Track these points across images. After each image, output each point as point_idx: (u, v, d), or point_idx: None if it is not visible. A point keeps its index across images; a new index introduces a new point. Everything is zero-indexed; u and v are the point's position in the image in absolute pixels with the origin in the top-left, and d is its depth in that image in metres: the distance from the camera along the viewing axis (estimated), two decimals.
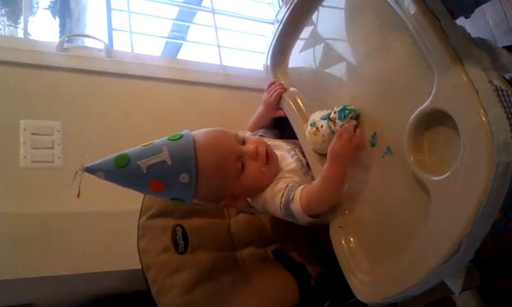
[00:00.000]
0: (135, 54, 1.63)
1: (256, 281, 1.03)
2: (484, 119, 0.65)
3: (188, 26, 2.16)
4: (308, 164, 1.05)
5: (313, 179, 1.02)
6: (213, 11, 1.91)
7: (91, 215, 1.21)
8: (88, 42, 1.67)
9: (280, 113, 1.20)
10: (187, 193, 0.91)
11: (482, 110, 0.65)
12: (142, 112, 1.51)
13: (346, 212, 0.94)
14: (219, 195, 0.98)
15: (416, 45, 0.77)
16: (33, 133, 1.30)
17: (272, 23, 1.24)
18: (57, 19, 2.76)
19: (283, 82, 1.20)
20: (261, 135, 1.18)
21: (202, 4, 2.14)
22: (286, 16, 1.15)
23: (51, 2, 2.78)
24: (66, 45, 1.49)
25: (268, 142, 1.05)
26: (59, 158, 1.31)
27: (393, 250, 0.81)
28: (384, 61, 0.88)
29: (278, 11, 1.21)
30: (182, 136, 0.92)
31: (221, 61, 1.80)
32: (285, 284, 1.04)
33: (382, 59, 0.89)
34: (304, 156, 1.07)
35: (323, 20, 1.08)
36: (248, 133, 1.21)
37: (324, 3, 1.07)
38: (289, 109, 1.14)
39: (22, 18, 1.62)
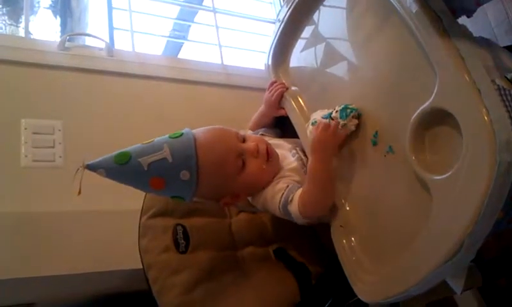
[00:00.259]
0: (136, 53, 1.63)
1: (257, 280, 1.03)
2: (486, 118, 0.65)
3: (189, 25, 2.16)
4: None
5: None
6: (214, 11, 1.91)
7: (92, 215, 1.21)
8: (89, 41, 1.67)
9: (281, 112, 1.20)
10: (187, 191, 0.91)
11: (484, 110, 0.65)
12: (143, 111, 1.51)
13: (347, 211, 0.94)
14: (220, 193, 0.97)
15: (418, 43, 0.77)
16: (34, 133, 1.30)
17: (274, 23, 1.24)
18: (59, 18, 2.76)
19: (284, 81, 1.20)
20: (262, 134, 1.18)
21: (203, 4, 2.14)
22: (287, 16, 1.15)
23: (52, 1, 2.78)
24: (67, 44, 1.49)
25: (269, 141, 1.05)
26: (60, 157, 1.31)
27: (395, 249, 0.81)
28: (386, 59, 0.88)
29: (279, 11, 1.21)
30: (182, 134, 0.92)
31: (222, 61, 1.80)
32: (286, 283, 1.04)
33: (383, 58, 0.88)
34: (305, 155, 1.07)
35: (324, 20, 1.08)
36: (249, 132, 1.20)
37: (325, 2, 1.07)
38: (291, 108, 1.14)
39: (23, 17, 1.62)
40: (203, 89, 1.66)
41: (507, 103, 0.66)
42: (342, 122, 0.91)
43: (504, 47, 0.99)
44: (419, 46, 0.77)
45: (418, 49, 0.77)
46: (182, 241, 1.03)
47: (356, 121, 0.92)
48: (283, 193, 0.96)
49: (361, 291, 0.87)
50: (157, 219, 1.06)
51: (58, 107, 1.38)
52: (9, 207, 1.17)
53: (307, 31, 1.13)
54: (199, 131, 0.95)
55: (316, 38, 1.09)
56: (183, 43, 2.23)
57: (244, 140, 0.99)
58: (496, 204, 0.65)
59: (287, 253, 1.08)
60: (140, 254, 1.04)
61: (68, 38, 1.50)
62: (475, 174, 0.66)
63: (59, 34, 2.68)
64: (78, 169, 0.82)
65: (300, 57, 1.16)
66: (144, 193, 1.06)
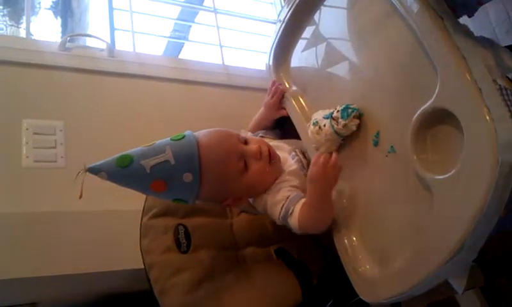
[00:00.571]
0: (137, 54, 1.63)
1: (258, 280, 1.03)
2: (487, 118, 0.65)
3: (190, 26, 2.16)
4: (308, 165, 1.05)
5: None
6: (215, 11, 1.91)
7: (94, 215, 1.21)
8: (90, 42, 1.67)
9: (281, 113, 1.19)
10: (190, 193, 0.91)
11: (485, 109, 0.65)
12: (144, 112, 1.51)
13: (349, 211, 0.93)
14: (222, 195, 0.97)
15: (419, 43, 0.77)
16: (35, 133, 1.30)
17: (275, 23, 1.24)
18: (59, 19, 2.76)
19: (285, 81, 1.20)
20: (262, 136, 1.18)
21: (204, 4, 2.14)
22: (288, 16, 1.15)
23: (53, 2, 2.78)
24: (68, 44, 1.49)
25: (269, 143, 1.05)
26: (62, 157, 1.31)
27: (396, 249, 0.81)
28: (387, 59, 0.88)
29: (280, 11, 1.21)
30: (184, 136, 0.92)
31: (223, 61, 1.80)
32: (288, 283, 1.04)
33: (384, 57, 0.88)
34: (304, 156, 1.07)
35: (325, 20, 1.08)
36: (248, 134, 1.20)
37: (326, 3, 1.07)
38: (292, 109, 1.14)
39: (24, 18, 1.62)
40: (204, 90, 1.67)
41: (508, 103, 0.66)
42: (343, 122, 0.91)
43: (505, 47, 0.99)
44: (420, 46, 0.77)
45: (419, 49, 0.77)
46: (184, 241, 1.03)
47: (357, 121, 0.92)
48: (283, 204, 0.95)
49: (363, 291, 0.87)
50: (158, 219, 1.06)
51: (59, 108, 1.38)
52: (11, 208, 1.17)
53: (308, 31, 1.13)
54: (200, 133, 0.95)
55: (317, 38, 1.09)
56: (184, 43, 2.23)
57: (245, 142, 0.99)
58: (498, 203, 0.65)
59: (288, 253, 1.08)
60: (141, 254, 1.04)
61: (69, 38, 1.51)
62: (476, 173, 0.66)
63: (60, 34, 2.68)
64: (79, 172, 0.82)
65: (301, 57, 1.16)
66: None
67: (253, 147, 0.97)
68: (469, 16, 0.94)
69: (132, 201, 1.06)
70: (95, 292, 1.33)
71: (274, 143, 1.11)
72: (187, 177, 0.88)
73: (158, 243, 1.03)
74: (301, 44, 1.16)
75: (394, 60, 0.86)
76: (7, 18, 2.51)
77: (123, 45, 1.69)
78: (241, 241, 1.10)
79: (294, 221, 0.93)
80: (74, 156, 1.32)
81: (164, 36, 2.06)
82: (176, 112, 1.57)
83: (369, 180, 0.91)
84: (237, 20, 2.02)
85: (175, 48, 2.23)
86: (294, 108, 1.14)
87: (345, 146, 0.97)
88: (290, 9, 1.14)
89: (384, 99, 0.88)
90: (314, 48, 1.10)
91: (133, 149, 0.88)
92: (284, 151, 1.08)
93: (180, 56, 2.14)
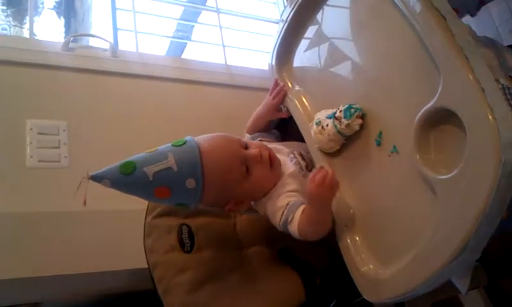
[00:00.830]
0: (140, 54, 1.63)
1: (262, 280, 1.03)
2: (490, 117, 0.64)
3: (193, 26, 2.16)
4: (306, 167, 1.05)
5: None
6: (218, 11, 1.92)
7: (98, 215, 1.21)
8: (93, 42, 1.68)
9: (281, 115, 1.19)
10: (193, 198, 0.91)
11: (488, 109, 0.65)
12: (147, 112, 1.52)
13: (352, 211, 0.94)
14: (224, 199, 0.97)
15: (422, 43, 0.76)
16: (39, 133, 1.31)
17: (277, 23, 1.24)
18: (63, 19, 2.77)
19: (288, 81, 1.20)
20: (260, 140, 1.17)
21: (207, 4, 2.14)
22: (291, 16, 1.15)
23: (56, 2, 2.79)
24: (71, 44, 1.50)
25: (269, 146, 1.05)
26: (66, 157, 1.31)
27: (400, 249, 0.81)
28: (390, 59, 0.88)
29: (283, 11, 1.20)
30: (185, 142, 0.92)
31: (225, 61, 1.80)
32: (291, 283, 1.04)
33: (387, 57, 0.88)
34: (303, 158, 1.06)
35: (328, 19, 1.08)
36: (247, 136, 1.20)
37: (328, 2, 1.07)
38: (294, 108, 1.14)
39: (27, 18, 1.63)
40: (207, 90, 1.67)
41: (511, 102, 0.66)
42: (346, 122, 0.91)
43: (508, 46, 0.99)
44: (423, 45, 0.76)
45: (422, 49, 0.77)
46: (187, 241, 1.04)
47: (360, 121, 0.92)
48: (283, 211, 0.95)
49: (366, 291, 0.87)
50: (162, 219, 1.07)
51: (63, 108, 1.39)
52: (15, 207, 1.18)
53: (311, 31, 1.13)
54: (201, 138, 0.95)
55: (320, 37, 1.09)
56: (186, 43, 2.23)
57: (246, 147, 0.99)
58: (501, 203, 0.65)
59: (292, 253, 1.08)
60: (145, 254, 1.05)
61: (72, 38, 1.51)
62: (479, 173, 0.66)
63: (63, 35, 2.70)
64: (82, 180, 0.82)
65: (304, 57, 1.16)
66: None
67: (254, 151, 0.97)
68: (472, 16, 0.95)
69: (136, 200, 1.05)
70: (98, 292, 1.33)
71: (273, 146, 1.10)
72: (190, 183, 0.88)
73: (162, 242, 1.04)
74: (303, 44, 1.16)
75: (397, 60, 0.86)
76: (10, 18, 2.52)
77: (126, 45, 1.70)
78: (245, 241, 1.10)
79: (293, 229, 0.93)
80: (78, 156, 1.32)
81: (167, 36, 2.06)
82: (179, 112, 1.57)
83: (372, 180, 0.91)
84: (240, 20, 2.02)
85: (177, 48, 2.24)
86: (297, 108, 1.13)
87: (347, 146, 0.97)
88: (292, 8, 1.14)
89: (387, 99, 0.88)
90: (317, 48, 1.10)
91: (135, 156, 0.88)
92: (283, 153, 1.08)
93: (183, 56, 2.15)
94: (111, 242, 1.22)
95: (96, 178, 0.84)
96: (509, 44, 1.06)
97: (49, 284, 1.18)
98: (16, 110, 1.32)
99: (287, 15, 1.16)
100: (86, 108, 1.42)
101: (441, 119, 0.75)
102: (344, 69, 1.00)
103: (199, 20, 2.13)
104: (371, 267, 0.87)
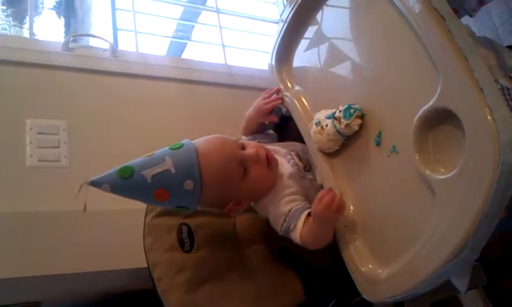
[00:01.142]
0: (140, 54, 1.63)
1: (261, 279, 1.03)
2: (489, 118, 0.65)
3: (193, 26, 2.17)
4: (304, 168, 1.05)
5: (310, 183, 1.03)
6: (217, 11, 1.92)
7: (97, 214, 1.21)
8: (93, 42, 1.68)
9: (270, 119, 1.19)
10: (191, 200, 0.92)
11: (487, 109, 0.65)
12: (147, 111, 1.52)
13: (351, 211, 0.94)
14: (223, 200, 0.97)
15: (421, 43, 0.77)
16: (39, 133, 1.31)
17: (277, 23, 1.24)
18: (62, 19, 2.77)
19: (287, 81, 1.20)
20: (258, 142, 1.17)
21: (207, 4, 2.15)
22: (291, 16, 1.15)
23: (56, 2, 2.79)
24: (71, 44, 1.50)
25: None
26: (65, 157, 1.31)
27: (399, 248, 0.81)
28: (389, 59, 0.88)
29: (283, 11, 1.21)
30: (182, 145, 0.92)
31: (225, 61, 1.80)
32: (291, 283, 1.04)
33: (386, 57, 0.88)
34: (300, 159, 1.06)
35: (327, 20, 1.08)
36: (243, 138, 1.20)
37: (328, 2, 1.07)
38: (294, 108, 1.14)
39: (27, 18, 1.63)
40: (207, 89, 1.67)
41: (510, 103, 0.66)
42: (345, 122, 0.91)
43: (508, 47, 1.00)
44: (422, 46, 0.77)
45: (422, 49, 0.77)
46: (187, 240, 1.04)
47: (359, 121, 0.92)
48: (285, 218, 0.95)
49: (366, 290, 0.87)
50: (162, 218, 1.07)
51: (63, 107, 1.39)
52: (15, 207, 1.18)
53: (310, 31, 1.13)
54: (199, 141, 0.95)
55: (319, 38, 1.09)
56: (186, 43, 2.23)
57: (243, 147, 0.99)
58: (499, 203, 0.65)
59: (292, 252, 1.08)
60: (145, 253, 1.05)
61: (72, 38, 1.51)
62: (478, 173, 0.66)
63: (63, 34, 2.70)
64: (82, 186, 0.82)
65: (303, 57, 1.16)
66: None
67: (250, 151, 0.97)
68: (471, 16, 0.95)
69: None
70: (98, 291, 1.33)
71: (270, 147, 1.10)
72: (188, 185, 0.88)
73: (161, 242, 1.04)
74: (303, 44, 1.16)
75: (396, 60, 0.86)
76: (10, 18, 2.52)
77: (126, 45, 1.70)
78: (244, 240, 1.11)
79: (295, 237, 0.94)
80: (77, 155, 1.33)
81: (167, 36, 2.06)
82: (178, 112, 1.58)
83: (371, 180, 0.91)
84: (240, 20, 2.03)
85: (177, 48, 2.24)
86: (296, 108, 1.14)
87: (347, 146, 0.97)
88: (292, 9, 1.14)
89: (386, 99, 0.88)
90: (316, 48, 1.10)
91: (133, 161, 0.89)
92: (280, 154, 1.07)
93: (183, 56, 2.15)
94: (110, 242, 1.22)
95: (95, 184, 0.84)
96: (509, 44, 1.07)
97: (49, 284, 1.18)
98: (16, 110, 1.32)
99: (287, 15, 1.16)
100: (85, 108, 1.42)
101: (440, 120, 0.75)
102: (343, 69, 1.00)
103: (199, 20, 2.13)
104: (370, 266, 0.87)
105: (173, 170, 0.87)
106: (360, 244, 0.91)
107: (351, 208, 0.94)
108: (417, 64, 0.79)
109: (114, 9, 1.73)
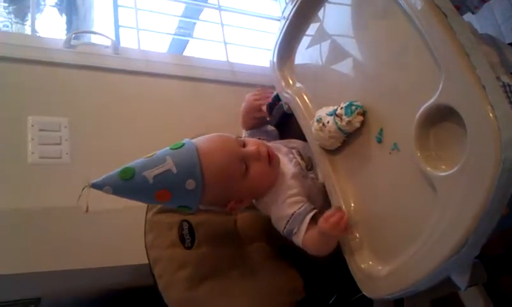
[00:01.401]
0: (142, 51, 1.64)
1: (262, 276, 1.04)
2: (491, 115, 0.64)
3: (194, 23, 2.17)
4: (306, 167, 1.05)
5: (312, 182, 1.02)
6: (219, 8, 1.92)
7: (99, 211, 1.21)
8: (94, 39, 1.68)
9: (261, 114, 1.19)
10: (193, 199, 0.92)
11: (489, 107, 0.65)
12: (148, 108, 1.52)
13: (352, 208, 0.94)
14: (225, 199, 0.97)
15: (423, 40, 0.76)
16: (41, 130, 1.31)
17: (279, 20, 1.24)
18: (64, 16, 2.78)
19: (289, 78, 1.20)
20: (259, 138, 1.17)
21: (208, 1, 2.15)
22: (292, 13, 1.15)
23: None
24: (73, 41, 1.50)
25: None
26: (67, 154, 1.32)
27: (400, 245, 0.81)
28: (391, 56, 0.88)
29: (285, 8, 1.20)
30: (183, 144, 0.92)
31: (227, 58, 1.80)
32: (292, 280, 1.04)
33: (388, 54, 0.88)
34: (302, 158, 1.06)
35: (329, 17, 1.08)
36: (243, 133, 1.20)
37: (330, 0, 1.07)
38: (295, 105, 1.14)
39: (29, 15, 1.63)
40: (208, 87, 1.67)
41: None
42: (346, 119, 0.91)
43: (510, 44, 0.99)
44: (424, 43, 0.76)
45: (423, 46, 0.77)
46: (188, 237, 1.04)
47: (361, 118, 0.92)
48: (288, 220, 0.95)
49: (366, 287, 0.87)
50: (163, 215, 1.07)
51: (64, 104, 1.39)
52: (16, 203, 1.18)
53: (312, 28, 1.13)
54: (199, 140, 0.95)
55: (321, 35, 1.09)
56: (188, 40, 2.24)
57: (244, 144, 0.99)
58: (501, 201, 0.65)
59: (293, 249, 1.08)
60: (146, 250, 1.05)
61: (74, 35, 1.52)
62: (480, 170, 0.66)
63: (65, 32, 2.70)
64: (84, 188, 0.82)
65: (305, 54, 1.16)
66: None
67: (251, 149, 0.97)
68: (473, 13, 0.95)
69: None
70: (99, 287, 1.34)
71: (271, 145, 1.10)
72: (190, 184, 0.88)
73: (162, 238, 1.04)
74: (305, 41, 1.16)
75: (398, 57, 0.86)
76: (12, 15, 2.52)
77: (128, 42, 1.70)
78: (245, 237, 1.11)
79: (297, 241, 0.94)
80: (79, 152, 1.33)
81: (169, 33, 2.07)
82: (180, 109, 1.58)
83: (372, 177, 0.91)
84: (242, 17, 2.02)
85: (179, 45, 2.24)
86: (298, 105, 1.13)
87: (348, 143, 0.97)
88: (294, 6, 1.14)
89: (388, 96, 0.88)
90: (318, 45, 1.10)
91: (133, 162, 0.89)
92: (281, 152, 1.07)
93: (185, 53, 2.15)
94: (111, 238, 1.22)
95: (97, 186, 0.84)
96: (511, 42, 1.06)
97: (50, 280, 1.18)
98: (18, 107, 1.32)
99: (289, 12, 1.16)
100: (87, 105, 1.42)
101: (442, 117, 0.74)
102: (345, 66, 1.00)
103: (201, 17, 2.13)
104: (371, 263, 0.87)
105: (174, 170, 0.87)
106: (360, 240, 0.91)
107: (352, 205, 0.94)
108: (419, 61, 0.79)
109: (116, 6, 1.73)
